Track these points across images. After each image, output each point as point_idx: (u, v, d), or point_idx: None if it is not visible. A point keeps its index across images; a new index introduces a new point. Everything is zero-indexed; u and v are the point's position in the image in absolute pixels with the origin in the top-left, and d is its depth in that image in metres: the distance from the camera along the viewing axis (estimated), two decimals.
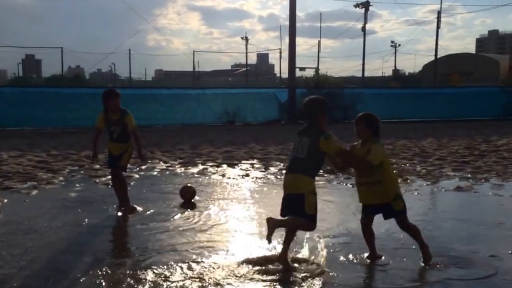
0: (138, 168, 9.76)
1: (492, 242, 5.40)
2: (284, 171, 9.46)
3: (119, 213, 6.57)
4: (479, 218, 6.53)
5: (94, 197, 7.41)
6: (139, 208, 6.73)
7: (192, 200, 7.15)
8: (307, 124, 4.59)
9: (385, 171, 4.55)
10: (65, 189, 8.06)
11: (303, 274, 4.40)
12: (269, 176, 9.29)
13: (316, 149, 4.37)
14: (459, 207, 7.26)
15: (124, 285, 4.19)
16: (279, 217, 4.62)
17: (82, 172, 9.44)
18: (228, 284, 4.23)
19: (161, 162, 10.64)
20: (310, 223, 4.47)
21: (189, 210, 6.71)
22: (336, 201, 7.33)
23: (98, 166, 9.45)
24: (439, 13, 41.24)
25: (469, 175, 9.26)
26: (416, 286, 4.26)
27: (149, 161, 10.64)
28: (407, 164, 10.49)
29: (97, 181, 8.62)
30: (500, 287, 4.26)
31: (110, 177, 7.42)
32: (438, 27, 41.49)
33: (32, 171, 9.36)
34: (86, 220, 6.22)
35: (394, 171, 5.16)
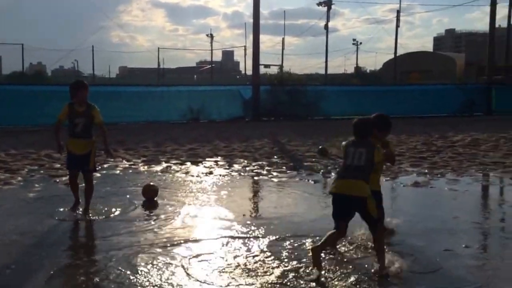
0: (99, 167, 9.60)
1: (447, 236, 5.55)
2: (247, 168, 9.54)
3: (80, 213, 6.46)
4: (435, 212, 6.68)
5: (53, 197, 7.26)
6: (102, 208, 6.64)
7: (155, 199, 7.09)
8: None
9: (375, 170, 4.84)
10: (24, 189, 7.87)
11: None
12: (233, 174, 9.31)
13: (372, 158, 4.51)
14: (417, 202, 7.45)
15: (83, 287, 4.14)
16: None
17: (42, 171, 9.23)
18: (193, 281, 4.23)
19: (124, 161, 10.51)
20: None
21: (151, 209, 6.66)
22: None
23: (59, 166, 9.26)
24: (398, 12, 42.22)
25: (426, 171, 9.49)
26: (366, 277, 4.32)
27: (112, 160, 10.50)
28: None
29: (57, 180, 8.45)
30: (451, 279, 4.36)
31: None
32: (397, 26, 42.51)
33: None
34: (45, 221, 6.09)
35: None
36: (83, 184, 6.66)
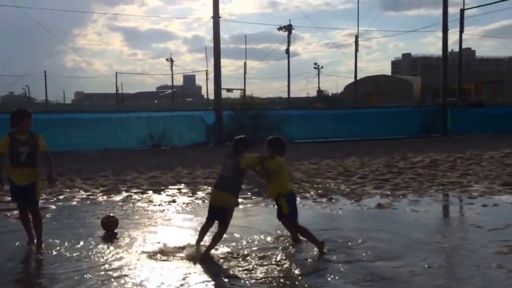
0: (55, 199, 9.14)
1: (410, 257, 5.54)
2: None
3: (32, 249, 6.04)
4: (398, 234, 6.65)
5: (5, 232, 6.78)
6: (56, 241, 6.23)
7: (115, 231, 6.72)
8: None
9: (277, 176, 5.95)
10: None
11: None
12: (196, 201, 9.00)
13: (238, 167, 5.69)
14: (380, 224, 7.33)
15: None
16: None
17: None
18: None
19: (81, 191, 10.04)
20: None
21: (111, 241, 6.31)
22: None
23: (9, 198, 8.72)
24: (356, 37, 43.01)
25: (388, 192, 9.57)
26: None
27: (68, 190, 10.05)
28: (332, 184, 10.64)
29: (8, 214, 7.95)
30: None
31: None
32: (356, 50, 43.27)
33: None
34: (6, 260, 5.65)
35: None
36: None
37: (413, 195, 9.28)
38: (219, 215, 5.77)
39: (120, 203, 8.87)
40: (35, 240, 6.20)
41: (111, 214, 7.24)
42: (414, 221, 7.45)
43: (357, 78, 45.18)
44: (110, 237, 6.52)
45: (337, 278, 4.94)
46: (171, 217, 7.86)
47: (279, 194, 5.93)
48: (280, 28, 50.41)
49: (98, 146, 18.38)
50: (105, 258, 5.63)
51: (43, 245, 6.12)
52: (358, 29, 43.83)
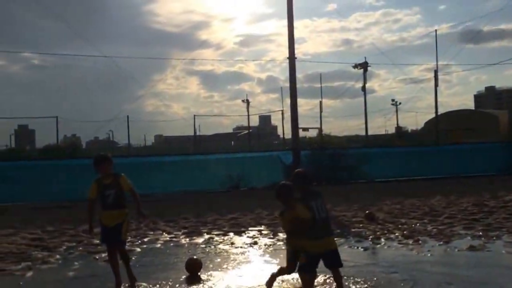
0: (139, 241, 9.32)
1: None
2: None
3: None
4: (497, 278, 6.23)
5: (92, 277, 6.90)
6: (144, 284, 6.29)
7: (199, 273, 6.70)
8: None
9: None
10: (63, 268, 7.56)
11: None
12: (278, 243, 8.82)
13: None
14: (475, 267, 6.83)
15: None
16: None
17: (81, 248, 8.93)
18: None
19: (164, 233, 10.18)
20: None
21: (195, 284, 6.28)
22: None
23: (98, 241, 8.97)
24: (435, 71, 41.70)
25: (480, 233, 9.01)
26: None
27: (152, 233, 10.23)
28: (417, 224, 10.14)
29: (97, 257, 8.12)
30: None
31: None
32: (436, 85, 41.69)
33: (26, 250, 8.83)
34: None
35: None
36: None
37: (508, 236, 8.68)
38: (335, 258, 5.27)
39: (203, 245, 8.88)
40: (128, 282, 6.33)
41: (195, 257, 7.24)
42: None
43: (438, 113, 43.63)
44: (194, 279, 6.49)
45: None
46: (253, 259, 7.75)
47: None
48: (355, 66, 49.96)
49: (178, 187, 18.77)
50: None
51: (136, 283, 6.30)
52: (437, 63, 42.01)
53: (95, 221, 6.36)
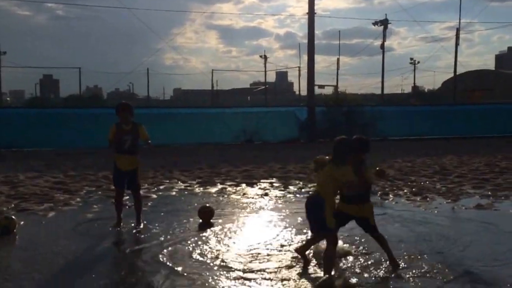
0: (156, 189, 9.68)
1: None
2: (303, 189, 9.36)
3: (137, 235, 6.52)
4: (501, 236, 6.34)
5: (111, 217, 7.27)
6: (158, 228, 6.67)
7: (211, 221, 7.01)
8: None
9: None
10: (83, 210, 7.97)
11: None
12: (288, 195, 9.12)
13: None
14: (481, 226, 6.98)
15: None
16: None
17: (100, 192, 9.36)
18: None
19: (179, 182, 10.54)
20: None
21: (207, 230, 6.57)
22: None
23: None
24: (457, 30, 40.75)
25: (489, 193, 9.09)
26: None
27: (167, 181, 10.59)
28: (427, 182, 10.30)
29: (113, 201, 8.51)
30: None
31: (127, 197, 7.35)
32: (457, 44, 40.88)
33: (49, 192, 9.30)
34: (103, 242, 6.12)
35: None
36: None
37: None
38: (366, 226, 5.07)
39: (215, 195, 9.20)
40: (134, 222, 6.86)
41: (207, 205, 7.55)
42: None
43: (457, 73, 42.94)
44: (206, 226, 6.79)
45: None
46: (264, 209, 8.02)
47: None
48: (375, 23, 49.01)
49: (194, 139, 19.15)
50: (202, 244, 5.88)
51: (141, 225, 6.80)
52: (459, 21, 40.93)
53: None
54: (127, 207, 7.50)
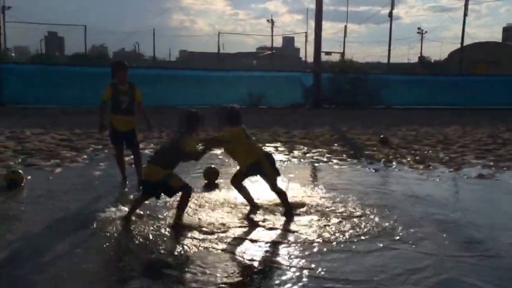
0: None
1: (509, 230, 5.36)
2: (307, 154, 9.41)
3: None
4: (501, 205, 6.46)
5: (116, 175, 7.35)
6: None
7: (216, 182, 7.11)
8: None
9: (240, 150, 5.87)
10: (89, 167, 8.07)
11: None
12: (293, 160, 9.18)
13: None
14: (481, 195, 7.08)
15: (146, 269, 4.15)
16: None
17: (106, 151, 9.43)
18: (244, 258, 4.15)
19: None
20: None
21: (213, 190, 6.66)
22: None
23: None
24: (466, 0, 40.10)
25: (491, 163, 9.16)
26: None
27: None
28: (430, 151, 10.34)
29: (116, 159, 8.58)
30: None
31: (132, 156, 7.37)
32: (465, 14, 40.38)
33: (55, 149, 9.37)
34: (109, 198, 6.22)
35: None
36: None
37: None
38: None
39: (220, 156, 9.24)
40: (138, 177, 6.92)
41: (213, 166, 7.62)
42: None
43: (464, 44, 42.50)
44: (212, 187, 6.89)
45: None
46: None
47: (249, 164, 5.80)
48: None
49: (199, 102, 19.04)
50: (208, 204, 5.97)
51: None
52: None
53: (106, 124, 6.87)
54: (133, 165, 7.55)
